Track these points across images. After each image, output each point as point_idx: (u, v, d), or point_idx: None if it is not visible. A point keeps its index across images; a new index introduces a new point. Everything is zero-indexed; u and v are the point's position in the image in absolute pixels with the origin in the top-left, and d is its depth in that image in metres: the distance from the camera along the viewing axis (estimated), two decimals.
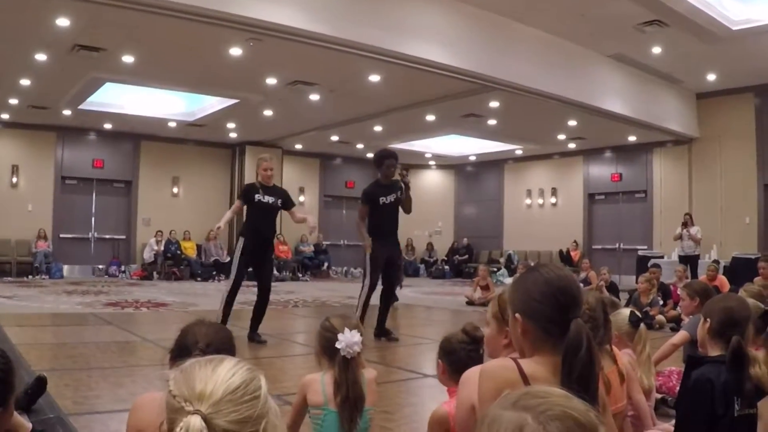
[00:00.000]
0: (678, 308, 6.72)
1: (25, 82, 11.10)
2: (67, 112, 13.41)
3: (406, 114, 12.87)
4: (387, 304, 6.38)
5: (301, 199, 18.24)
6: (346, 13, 8.13)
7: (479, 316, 8.90)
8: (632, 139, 14.82)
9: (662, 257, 12.90)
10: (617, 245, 16.12)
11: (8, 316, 7.02)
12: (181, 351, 1.75)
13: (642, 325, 3.09)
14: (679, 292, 5.12)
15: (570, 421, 0.83)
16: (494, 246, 18.92)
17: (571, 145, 16.35)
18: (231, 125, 14.82)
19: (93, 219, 15.78)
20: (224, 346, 1.76)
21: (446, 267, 19.04)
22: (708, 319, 2.24)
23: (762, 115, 12.80)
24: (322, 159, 18.70)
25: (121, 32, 8.56)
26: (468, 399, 1.62)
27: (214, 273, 15.08)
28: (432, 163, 19.97)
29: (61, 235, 15.12)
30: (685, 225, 11.70)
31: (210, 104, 13.42)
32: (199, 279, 15.01)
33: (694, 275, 10.36)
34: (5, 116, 13.96)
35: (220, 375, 0.92)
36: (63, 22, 8.15)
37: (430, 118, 13.43)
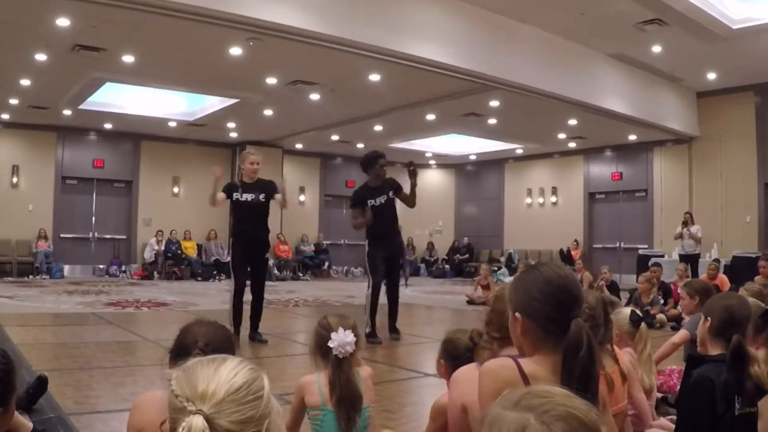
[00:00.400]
0: (679, 307, 6.72)
1: (25, 82, 11.09)
2: (67, 112, 13.41)
3: (406, 113, 12.86)
4: (392, 302, 6.37)
5: (302, 198, 18.25)
6: (347, 13, 8.13)
7: (480, 315, 8.90)
8: (632, 138, 14.82)
9: (663, 256, 12.89)
10: (618, 244, 16.11)
11: (9, 316, 7.02)
12: (180, 351, 1.76)
13: (643, 324, 3.09)
14: (679, 291, 5.12)
15: (573, 421, 0.83)
16: (495, 245, 18.92)
17: (572, 144, 16.34)
18: (231, 125, 14.81)
19: (93, 219, 15.78)
20: (223, 345, 1.77)
21: (447, 266, 19.05)
22: (708, 318, 2.24)
23: (762, 113, 12.79)
24: (322, 158, 18.69)
25: (122, 32, 8.56)
26: (458, 398, 1.62)
27: (215, 272, 15.08)
28: (432, 162, 19.97)
29: (62, 235, 15.12)
30: (685, 224, 11.70)
31: (210, 104, 13.41)
32: (199, 279, 15.01)
33: (695, 274, 10.35)
34: (5, 116, 13.96)
35: (223, 375, 0.92)
36: (63, 22, 8.15)
37: (431, 117, 13.43)
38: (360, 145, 16.96)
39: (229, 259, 5.96)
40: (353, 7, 8.24)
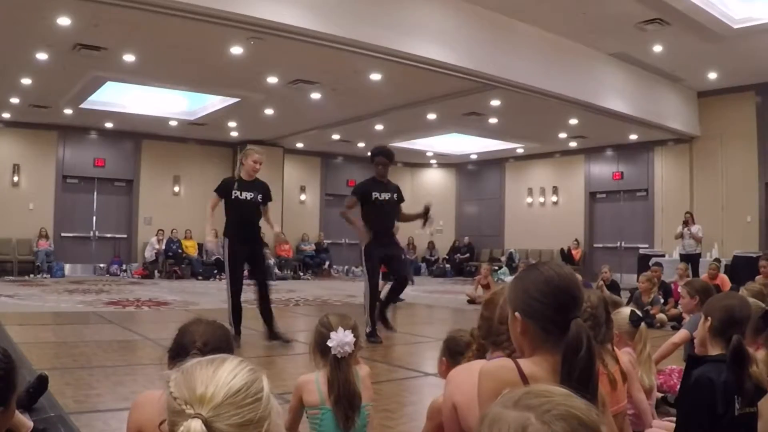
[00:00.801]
0: (679, 307, 6.72)
1: (26, 81, 11.09)
2: (68, 111, 13.42)
3: (407, 112, 12.86)
4: (395, 293, 6.33)
5: (302, 198, 18.26)
6: (348, 12, 8.13)
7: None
8: (633, 137, 14.81)
9: (663, 256, 12.89)
10: (618, 244, 16.11)
11: (10, 315, 7.03)
12: (178, 350, 1.76)
13: (642, 323, 3.09)
14: (679, 290, 5.12)
15: (574, 421, 0.83)
16: (495, 244, 18.91)
17: (573, 144, 16.34)
18: (232, 124, 14.82)
19: (94, 218, 15.78)
20: (222, 344, 1.77)
21: (447, 265, 19.05)
22: (709, 318, 2.24)
23: (763, 113, 12.77)
24: (323, 158, 18.69)
25: (123, 31, 8.56)
26: (450, 397, 1.63)
27: (216, 272, 15.08)
28: (433, 161, 19.97)
29: (63, 234, 15.14)
30: (686, 223, 11.69)
31: (211, 103, 13.41)
32: (200, 278, 15.02)
33: (696, 274, 10.34)
34: (6, 115, 13.96)
35: (221, 377, 0.91)
36: (64, 21, 8.15)
37: (432, 116, 13.43)
38: (361, 145, 16.96)
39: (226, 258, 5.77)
40: (354, 6, 8.24)
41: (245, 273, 5.94)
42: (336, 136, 16.10)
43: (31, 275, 13.91)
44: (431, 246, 19.88)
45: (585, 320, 1.48)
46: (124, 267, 15.45)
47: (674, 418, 2.42)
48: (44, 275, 13.93)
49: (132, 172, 16.04)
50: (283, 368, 4.82)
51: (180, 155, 16.38)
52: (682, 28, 9.60)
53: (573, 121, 13.49)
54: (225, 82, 11.23)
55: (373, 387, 2.52)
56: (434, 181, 20.37)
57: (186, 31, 8.27)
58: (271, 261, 14.63)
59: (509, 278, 14.95)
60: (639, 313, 3.16)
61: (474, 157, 19.01)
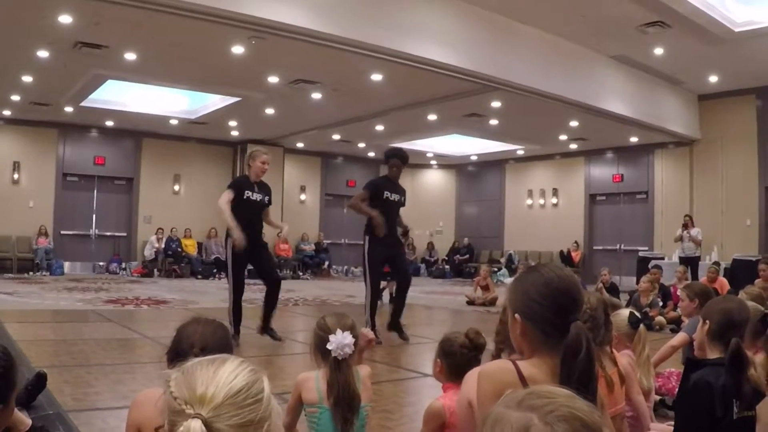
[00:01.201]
0: (678, 309, 6.72)
1: (27, 78, 11.10)
2: (68, 109, 13.42)
3: (407, 113, 12.87)
4: (402, 298, 6.26)
5: (302, 197, 18.26)
6: (349, 13, 8.13)
7: (479, 316, 8.90)
8: (634, 140, 14.81)
9: (663, 258, 12.89)
10: (618, 246, 16.12)
11: (9, 313, 7.03)
12: (177, 350, 1.75)
13: (641, 326, 3.09)
14: (679, 293, 5.12)
15: (576, 423, 0.83)
16: (495, 246, 18.92)
17: (573, 146, 16.34)
18: (233, 123, 14.82)
19: (94, 216, 15.78)
20: (221, 344, 1.76)
21: (447, 267, 19.05)
22: (707, 321, 2.24)
23: (763, 117, 12.78)
24: (323, 158, 18.69)
25: (124, 29, 8.56)
26: (465, 396, 1.63)
27: (215, 271, 15.09)
28: (433, 162, 19.97)
29: (62, 232, 15.14)
30: (685, 226, 11.69)
31: (212, 102, 13.42)
32: (199, 277, 15.02)
33: (695, 277, 10.36)
34: (7, 113, 13.96)
35: (222, 377, 0.90)
36: (65, 19, 8.16)
37: (432, 117, 13.43)
38: (361, 145, 16.97)
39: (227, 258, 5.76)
40: (355, 6, 8.24)
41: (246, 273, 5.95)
42: (336, 137, 16.11)
43: (31, 273, 13.91)
44: (431, 247, 19.88)
45: (584, 322, 1.48)
46: (123, 265, 15.45)
47: (673, 422, 2.43)
48: (44, 273, 13.93)
49: (132, 170, 16.04)
50: (283, 368, 4.82)
51: (180, 154, 16.39)
52: (683, 31, 9.60)
53: (573, 123, 13.50)
54: (226, 81, 11.24)
55: (373, 388, 2.52)
56: (434, 182, 20.37)
57: (187, 30, 8.27)
58: None
59: (508, 280, 14.96)
60: (638, 314, 3.16)
61: (474, 158, 19.01)
